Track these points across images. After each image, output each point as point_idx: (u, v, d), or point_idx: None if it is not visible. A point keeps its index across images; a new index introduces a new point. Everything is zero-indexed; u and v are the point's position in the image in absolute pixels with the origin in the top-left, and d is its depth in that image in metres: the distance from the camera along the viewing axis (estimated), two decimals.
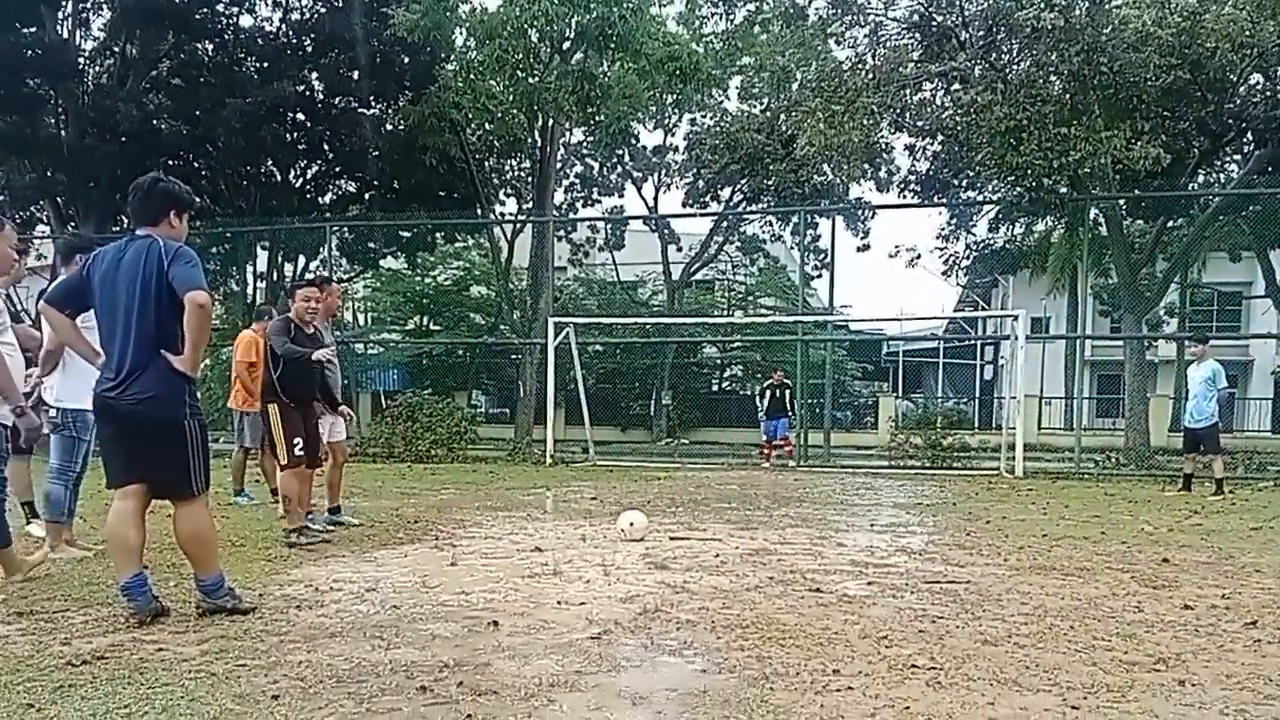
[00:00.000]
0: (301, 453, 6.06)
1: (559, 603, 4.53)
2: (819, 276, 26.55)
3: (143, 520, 4.09)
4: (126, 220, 21.60)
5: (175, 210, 4.13)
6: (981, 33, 14.52)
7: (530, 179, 22.74)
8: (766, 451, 15.91)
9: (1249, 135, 16.56)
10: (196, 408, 4.10)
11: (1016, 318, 15.12)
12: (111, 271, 3.99)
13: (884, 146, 18.83)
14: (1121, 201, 16.67)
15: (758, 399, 16.57)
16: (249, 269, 22.47)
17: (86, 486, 5.84)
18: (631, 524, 6.62)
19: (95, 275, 4.04)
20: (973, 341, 34.07)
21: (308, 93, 20.74)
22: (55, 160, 19.60)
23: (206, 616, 4.08)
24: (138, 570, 4.00)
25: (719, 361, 32.01)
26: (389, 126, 21.34)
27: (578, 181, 27.13)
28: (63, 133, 19.83)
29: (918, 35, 15.62)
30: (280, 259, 22.96)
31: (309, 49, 20.69)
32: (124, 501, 4.04)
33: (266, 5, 21.23)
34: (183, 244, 4.05)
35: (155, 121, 19.74)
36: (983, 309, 37.00)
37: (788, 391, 15.82)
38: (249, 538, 6.42)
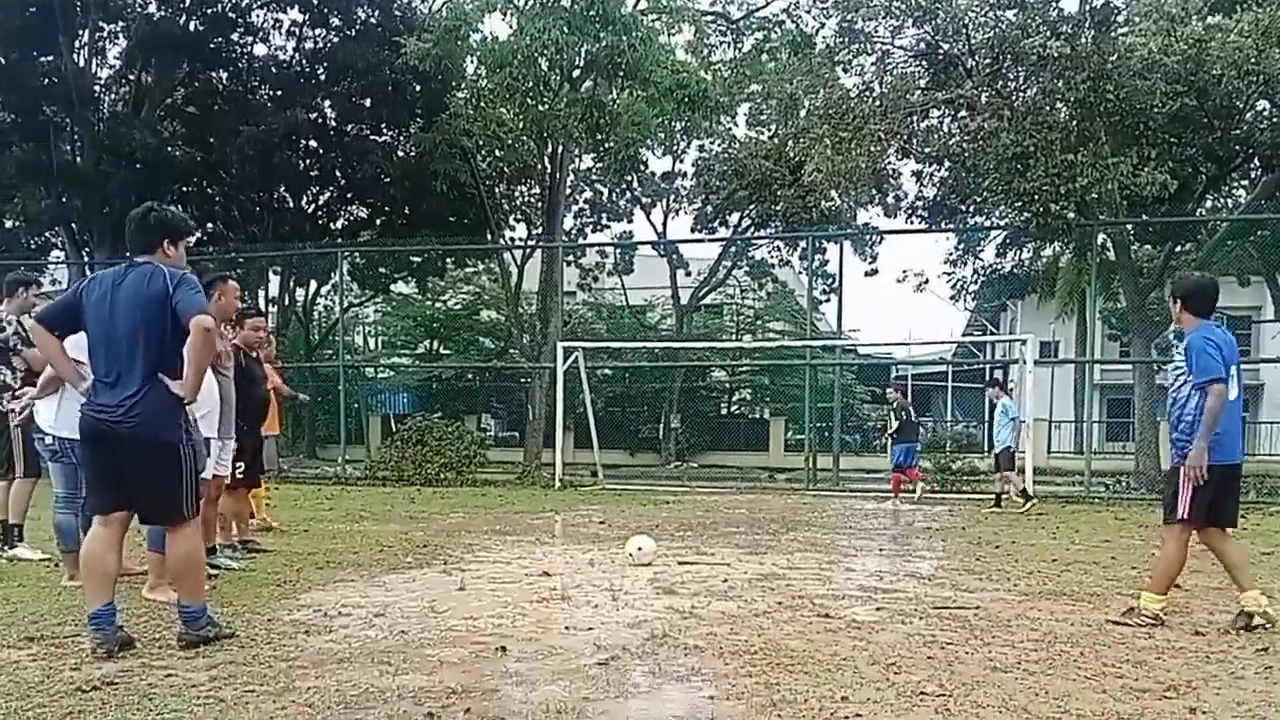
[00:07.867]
0: (242, 475, 6.63)
1: (567, 628, 4.54)
2: (827, 301, 26.54)
3: (120, 549, 4.06)
4: None
5: (170, 239, 4.11)
6: (988, 61, 14.58)
7: (540, 205, 22.90)
8: (912, 478, 13.11)
9: (1256, 161, 16.51)
10: (191, 432, 4.11)
11: (1025, 342, 15.15)
12: (109, 295, 3.95)
13: (891, 172, 18.83)
14: (1129, 227, 16.64)
15: (890, 419, 13.56)
16: (261, 294, 22.65)
17: None
18: (640, 549, 6.61)
19: (89, 299, 3.99)
20: (981, 365, 34.00)
21: (320, 120, 20.97)
22: (70, 186, 19.82)
23: (190, 649, 3.95)
24: (109, 600, 3.92)
25: (728, 385, 32.00)
26: (400, 153, 21.56)
27: (587, 207, 27.28)
28: (78, 159, 20.07)
29: (924, 63, 15.71)
30: (292, 284, 23.15)
31: (322, 77, 20.95)
32: (106, 528, 3.99)
33: (280, 35, 21.57)
34: (186, 271, 4.05)
35: (169, 148, 19.96)
36: (991, 333, 36.97)
37: (907, 412, 13.47)
38: (258, 563, 6.44)
